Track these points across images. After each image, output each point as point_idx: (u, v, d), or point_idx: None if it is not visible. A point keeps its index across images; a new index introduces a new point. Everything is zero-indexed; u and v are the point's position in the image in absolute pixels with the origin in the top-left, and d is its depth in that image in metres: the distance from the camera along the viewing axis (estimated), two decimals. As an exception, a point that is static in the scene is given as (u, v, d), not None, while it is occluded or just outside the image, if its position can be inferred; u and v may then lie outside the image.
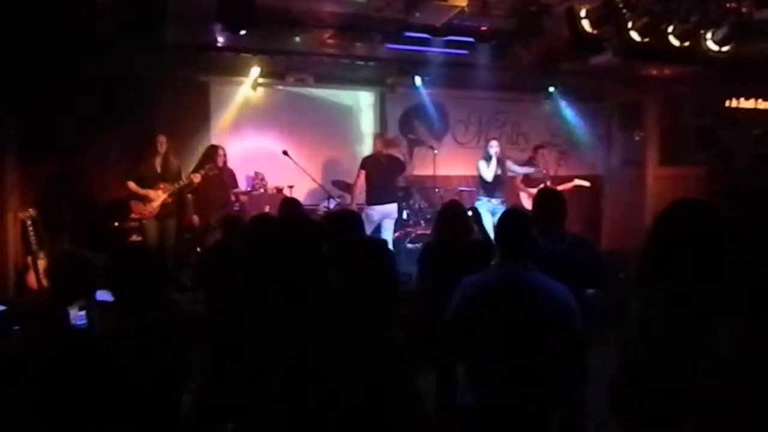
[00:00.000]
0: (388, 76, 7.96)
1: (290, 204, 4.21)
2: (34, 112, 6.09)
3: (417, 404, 1.72)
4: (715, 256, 1.80)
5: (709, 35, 5.14)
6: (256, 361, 2.20)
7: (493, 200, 6.95)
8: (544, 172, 7.61)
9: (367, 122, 8.26)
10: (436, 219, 3.94)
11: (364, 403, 1.64)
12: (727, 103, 7.35)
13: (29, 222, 5.84)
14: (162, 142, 6.20)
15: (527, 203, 7.28)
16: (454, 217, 3.73)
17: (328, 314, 1.77)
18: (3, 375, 2.18)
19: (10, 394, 2.14)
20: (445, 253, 3.59)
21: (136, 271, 2.41)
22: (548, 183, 7.33)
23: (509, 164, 7.14)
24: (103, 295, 3.90)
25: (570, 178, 7.75)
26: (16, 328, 2.49)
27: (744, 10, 5.03)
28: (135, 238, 6.19)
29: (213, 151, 6.52)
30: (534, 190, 7.36)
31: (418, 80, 7.86)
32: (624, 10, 4.75)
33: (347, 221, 3.21)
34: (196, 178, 6.20)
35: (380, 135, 7.38)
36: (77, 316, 3.63)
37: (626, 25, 4.82)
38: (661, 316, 1.88)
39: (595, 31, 4.88)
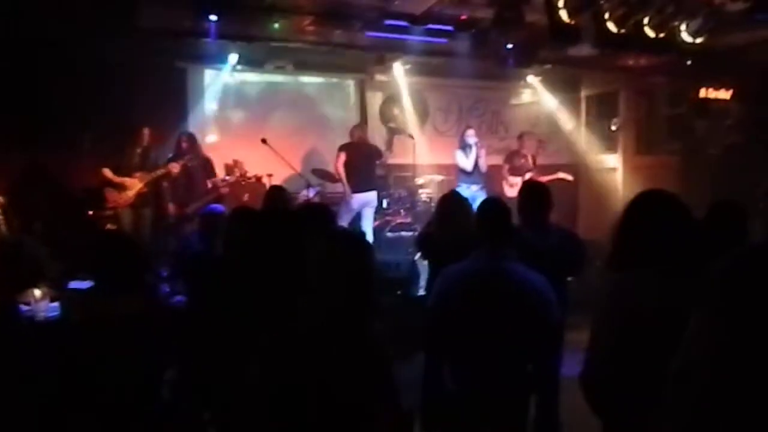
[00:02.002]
0: (367, 64, 7.93)
1: (276, 193, 4.19)
2: (4, 98, 5.93)
3: (394, 397, 1.73)
4: (679, 244, 1.88)
5: (683, 26, 5.23)
6: (235, 351, 2.21)
7: (473, 186, 7.01)
8: (528, 158, 7.62)
9: (346, 110, 8.22)
10: (437, 207, 3.97)
11: (339, 393, 1.66)
12: (700, 94, 7.47)
13: None
14: (146, 134, 6.11)
15: (510, 192, 7.32)
16: (454, 206, 3.78)
17: (306, 306, 1.77)
18: None
19: None
20: (445, 241, 3.63)
21: (112, 256, 2.39)
22: (533, 172, 7.37)
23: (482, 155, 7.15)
24: (78, 284, 3.86)
25: (554, 170, 7.77)
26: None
27: (717, 1, 5.13)
28: (109, 226, 6.08)
29: (181, 138, 6.40)
30: (517, 179, 7.44)
31: (397, 68, 7.84)
32: (601, 1, 4.80)
33: (322, 213, 3.23)
34: (175, 168, 6.11)
35: (358, 124, 7.38)
36: (48, 307, 3.60)
37: (603, 15, 4.88)
38: (628, 302, 1.93)
39: (572, 21, 4.93)
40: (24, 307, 3.42)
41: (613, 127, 9.10)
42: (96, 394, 2.18)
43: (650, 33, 5.11)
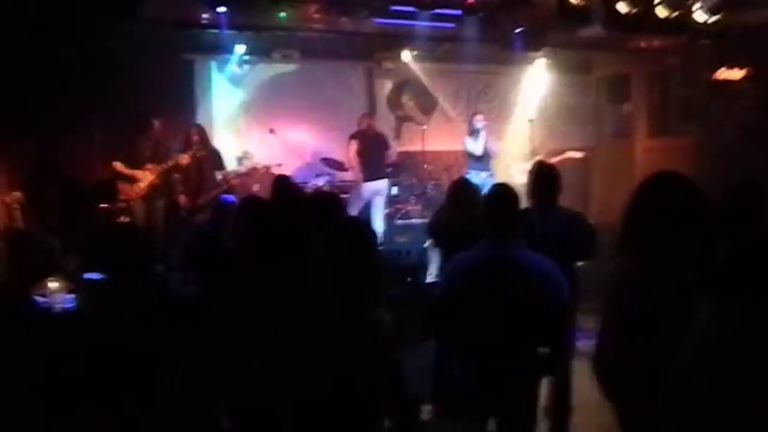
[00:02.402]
0: (375, 51, 7.87)
1: (283, 182, 4.19)
2: (15, 93, 5.98)
3: (397, 385, 1.73)
4: (691, 228, 1.84)
5: (697, 6, 5.11)
6: (242, 342, 2.22)
7: (482, 173, 6.95)
8: (536, 145, 7.58)
9: (354, 99, 8.18)
10: (447, 194, 3.97)
11: (345, 384, 1.66)
12: (716, 75, 7.33)
13: (15, 205, 5.77)
14: (154, 125, 6.13)
15: (518, 178, 7.27)
16: (465, 192, 3.77)
17: (311, 296, 1.77)
18: None
19: None
20: (456, 228, 3.62)
21: (120, 247, 2.40)
22: (540, 155, 7.30)
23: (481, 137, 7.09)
24: (92, 276, 3.90)
25: (561, 151, 7.73)
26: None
27: (732, -21, 5.01)
28: (123, 219, 6.13)
29: (191, 131, 6.41)
30: (524, 165, 7.38)
31: (405, 55, 7.78)
32: (611, -19, 4.71)
33: (329, 202, 3.22)
34: (184, 158, 6.13)
35: (366, 113, 7.35)
36: (65, 299, 3.64)
37: (613, -5, 4.79)
38: (637, 285, 1.91)
39: (582, 3, 4.84)
40: (40, 299, 3.47)
41: (626, 110, 8.98)
42: (107, 385, 2.20)
43: (662, 13, 5.02)
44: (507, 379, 2.50)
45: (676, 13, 5.14)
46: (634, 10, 4.85)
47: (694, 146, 7.93)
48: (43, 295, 3.63)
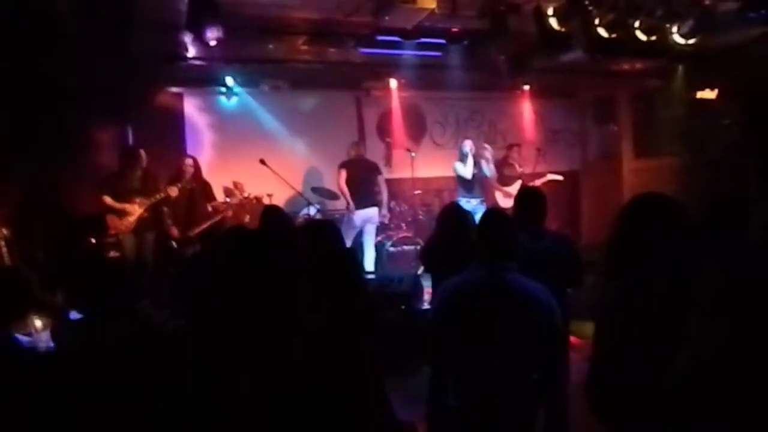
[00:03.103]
0: (363, 81, 7.97)
1: (272, 212, 4.19)
2: (3, 128, 5.98)
3: (387, 410, 1.71)
4: (677, 247, 1.86)
5: (674, 29, 5.23)
6: (231, 368, 2.19)
7: (473, 201, 6.99)
8: (519, 170, 7.68)
9: (343, 127, 8.24)
10: (438, 220, 4.01)
11: (332, 408, 1.64)
12: (697, 95, 7.47)
13: (2, 242, 5.72)
14: (142, 157, 6.13)
15: (503, 202, 7.34)
16: (455, 218, 3.80)
17: (298, 322, 1.76)
18: None
19: None
20: (447, 254, 3.63)
21: (97, 286, 2.38)
22: (522, 180, 7.41)
23: (482, 164, 7.15)
24: (77, 314, 3.84)
25: (543, 174, 7.82)
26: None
27: (707, 2, 5.14)
28: (113, 253, 6.09)
29: (186, 162, 6.43)
30: (509, 189, 7.44)
31: (393, 83, 7.88)
32: (590, 7, 4.83)
33: (318, 231, 3.23)
34: (173, 191, 6.12)
35: (356, 142, 7.41)
36: (40, 338, 3.58)
37: (593, 21, 4.90)
38: (628, 308, 1.91)
39: (562, 29, 4.95)
40: (25, 338, 3.42)
41: (612, 132, 9.11)
42: (87, 426, 2.16)
43: (641, 36, 5.13)
44: (502, 406, 2.47)
45: (654, 37, 5.25)
46: (614, 35, 4.96)
47: (680, 165, 8.03)
48: (28, 334, 3.58)
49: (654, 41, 5.21)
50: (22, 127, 6.03)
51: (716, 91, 7.33)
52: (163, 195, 6.09)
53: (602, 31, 4.90)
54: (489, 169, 7.15)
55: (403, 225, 7.48)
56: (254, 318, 2.19)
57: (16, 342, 2.64)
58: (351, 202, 6.86)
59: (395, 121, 8.34)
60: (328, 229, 3.23)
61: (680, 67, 6.89)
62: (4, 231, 5.76)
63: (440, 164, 8.25)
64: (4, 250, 5.70)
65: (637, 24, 5.08)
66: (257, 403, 1.67)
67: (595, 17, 4.86)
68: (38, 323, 3.56)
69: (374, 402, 1.70)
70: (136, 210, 6.05)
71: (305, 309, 1.74)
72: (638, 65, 7.67)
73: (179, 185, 6.14)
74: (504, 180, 7.65)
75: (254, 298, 2.32)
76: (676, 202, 2.04)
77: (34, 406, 2.23)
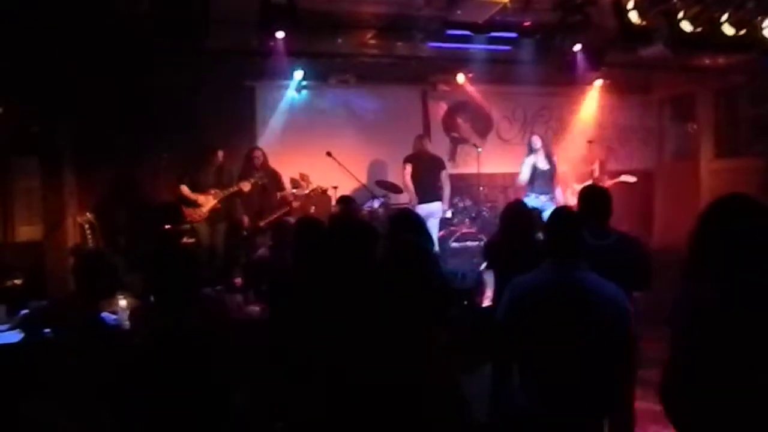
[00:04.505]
0: (430, 75, 7.93)
1: (346, 204, 4.29)
2: (89, 120, 6.36)
3: (460, 406, 1.71)
4: (760, 251, 1.77)
5: (765, 23, 4.92)
6: (307, 360, 2.24)
7: (542, 197, 6.83)
8: (596, 165, 7.43)
9: (409, 121, 8.25)
10: (501, 217, 3.97)
11: (403, 403, 1.65)
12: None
13: (87, 226, 6.10)
14: (219, 156, 6.38)
15: (571, 201, 7.12)
16: (520, 215, 3.76)
17: (373, 315, 1.78)
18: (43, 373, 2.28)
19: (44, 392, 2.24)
20: (511, 251, 3.59)
21: (169, 272, 2.47)
22: (596, 178, 7.17)
23: (538, 160, 6.97)
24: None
25: (616, 174, 7.54)
26: (47, 331, 2.60)
27: (804, -7, 4.80)
28: (187, 240, 6.37)
29: (255, 153, 6.61)
30: (580, 186, 7.22)
31: (460, 77, 7.80)
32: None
33: (398, 221, 3.29)
34: (246, 186, 6.31)
35: (420, 135, 7.39)
36: (125, 317, 3.80)
37: (677, 14, 4.67)
38: (712, 312, 1.83)
39: (643, 22, 4.75)
40: (111, 316, 3.64)
41: (690, 130, 8.68)
42: (158, 408, 2.25)
43: (728, 31, 4.84)
44: (573, 407, 2.42)
45: (743, 31, 4.95)
46: (699, 29, 4.71)
47: (764, 167, 7.56)
48: (114, 312, 3.81)
49: (742, 35, 4.91)
50: (107, 123, 6.41)
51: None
52: (236, 189, 6.30)
53: (686, 25, 4.66)
54: (549, 164, 6.97)
55: (467, 221, 7.42)
56: (328, 308, 2.24)
57: (103, 320, 2.81)
58: (414, 197, 6.87)
59: (461, 116, 8.26)
60: (412, 220, 3.27)
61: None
62: (89, 216, 6.14)
63: (506, 160, 8.11)
64: (89, 233, 6.08)
65: (724, 17, 4.80)
66: (330, 393, 1.71)
67: (680, 10, 4.63)
68: (123, 302, 3.78)
69: (448, 397, 1.70)
70: (209, 201, 6.30)
71: (380, 298, 1.76)
72: (721, 60, 7.25)
73: (252, 180, 6.32)
74: (580, 178, 7.41)
75: (328, 288, 2.36)
76: (763, 205, 1.94)
77: (112, 379, 2.36)
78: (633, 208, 8.05)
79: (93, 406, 2.31)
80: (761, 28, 4.96)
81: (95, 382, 2.38)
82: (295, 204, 6.66)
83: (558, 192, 7.26)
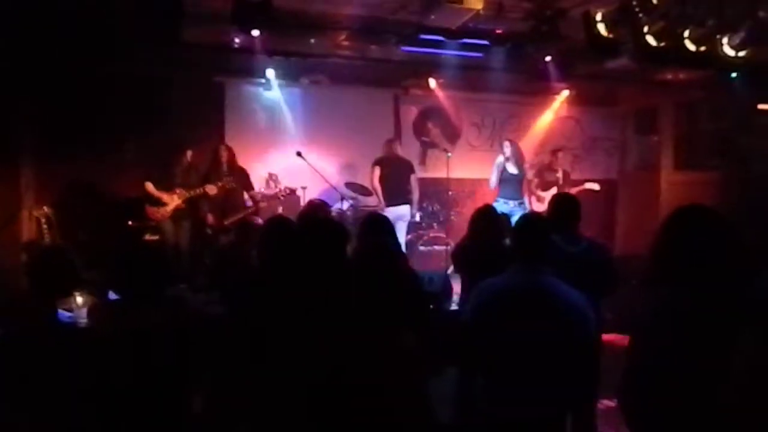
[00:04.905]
0: (402, 78, 7.97)
1: (316, 207, 4.26)
2: (48, 111, 6.17)
3: (426, 407, 1.72)
4: (721, 259, 1.84)
5: (725, 40, 5.10)
6: (272, 362, 2.22)
7: (511, 202, 6.94)
8: (560, 174, 7.58)
9: (380, 124, 8.26)
10: (471, 221, 4.01)
11: (369, 404, 1.65)
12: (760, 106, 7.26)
13: (44, 220, 5.91)
14: (188, 155, 6.26)
15: (536, 208, 7.26)
16: (489, 220, 3.80)
17: (342, 315, 1.78)
18: None
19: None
20: (480, 256, 3.63)
21: (135, 268, 2.42)
22: (560, 186, 7.32)
23: (508, 165, 7.10)
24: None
25: (581, 182, 7.71)
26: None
27: (761, 14, 4.99)
28: (150, 237, 6.24)
29: (221, 150, 6.51)
30: (544, 194, 7.36)
31: (432, 82, 7.86)
32: (640, 14, 4.73)
33: (369, 224, 3.30)
34: (212, 190, 6.18)
35: (390, 139, 7.42)
36: (81, 314, 3.68)
37: (642, 29, 4.80)
38: (674, 317, 1.89)
39: (611, 35, 4.87)
40: (66, 314, 3.53)
41: (652, 142, 8.93)
42: (119, 407, 2.20)
43: (691, 46, 5.01)
44: (534, 412, 2.46)
45: (704, 47, 5.12)
46: (663, 44, 4.86)
47: (720, 180, 7.83)
48: (70, 310, 3.70)
49: (703, 51, 5.08)
50: (69, 115, 6.23)
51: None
52: (201, 191, 6.18)
53: (651, 39, 4.80)
54: (518, 170, 7.10)
55: (435, 225, 7.48)
56: (295, 308, 2.22)
57: (59, 318, 2.72)
58: (382, 200, 6.88)
59: (432, 121, 8.33)
60: (383, 223, 3.27)
61: (728, 79, 6.70)
62: (46, 210, 5.95)
63: (475, 166, 8.21)
64: (45, 228, 5.90)
65: (686, 33, 4.96)
66: (295, 394, 1.70)
67: (645, 24, 4.77)
68: (79, 300, 3.67)
69: (413, 399, 1.70)
70: (174, 200, 6.18)
71: (349, 299, 1.76)
72: (682, 75, 7.49)
73: (219, 184, 6.20)
74: (544, 185, 7.56)
75: (296, 287, 2.34)
76: (722, 215, 2.02)
77: (71, 379, 2.29)
78: (597, 216, 8.24)
79: (52, 406, 2.24)
80: (721, 45, 5.14)
81: (54, 382, 2.30)
82: (263, 204, 6.58)
83: (525, 199, 7.40)
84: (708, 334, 1.78)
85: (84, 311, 3.73)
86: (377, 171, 6.91)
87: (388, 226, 3.41)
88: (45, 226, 5.90)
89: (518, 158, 7.08)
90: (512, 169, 7.04)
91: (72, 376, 2.28)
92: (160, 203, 6.14)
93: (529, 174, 7.43)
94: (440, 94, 8.09)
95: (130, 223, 6.40)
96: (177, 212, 6.21)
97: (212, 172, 6.33)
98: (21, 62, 5.52)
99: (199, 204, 6.39)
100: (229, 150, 6.52)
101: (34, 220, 6.05)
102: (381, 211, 6.87)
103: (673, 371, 1.85)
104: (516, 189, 7.08)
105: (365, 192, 7.34)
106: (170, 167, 6.24)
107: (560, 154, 7.70)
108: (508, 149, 7.04)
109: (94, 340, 2.41)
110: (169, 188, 6.17)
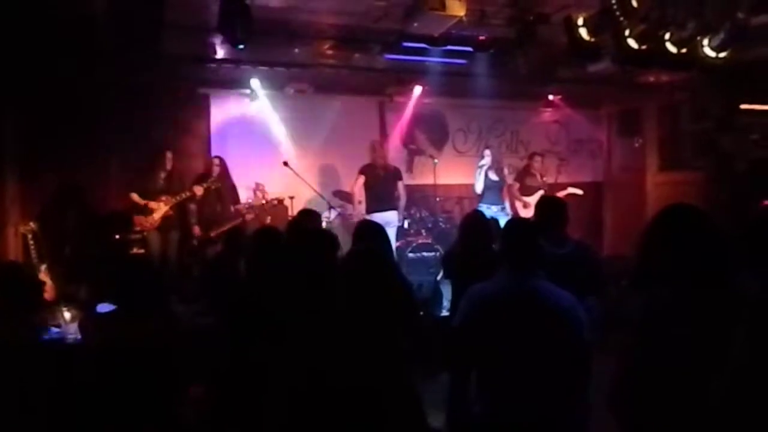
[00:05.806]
0: (387, 86, 7.99)
1: (309, 216, 4.24)
2: (33, 124, 6.10)
3: (417, 411, 1.71)
4: (709, 259, 1.85)
5: (706, 41, 5.17)
6: (260, 369, 2.20)
7: (493, 207, 7.00)
8: (542, 179, 7.63)
9: (366, 132, 8.26)
10: (460, 227, 4.02)
11: (362, 408, 1.64)
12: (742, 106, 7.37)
13: (30, 235, 5.83)
14: (169, 158, 6.24)
15: (523, 213, 7.31)
16: (479, 226, 3.81)
17: (334, 321, 1.77)
18: None
19: None
20: (470, 261, 3.63)
21: (127, 281, 2.41)
22: (544, 190, 7.37)
23: (489, 172, 7.17)
24: (104, 307, 3.91)
25: (564, 186, 7.75)
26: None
27: (740, 15, 5.07)
28: (137, 250, 6.18)
29: (213, 162, 6.53)
30: (529, 199, 7.41)
31: (417, 90, 7.89)
32: (621, 18, 4.78)
33: (361, 230, 3.30)
34: (198, 190, 6.20)
35: (377, 146, 7.40)
36: (69, 330, 3.64)
37: (623, 32, 4.85)
38: (658, 318, 1.90)
39: (592, 39, 4.93)
40: (54, 330, 3.49)
41: (636, 144, 9.03)
42: (109, 418, 2.18)
43: (672, 49, 5.07)
44: (528, 415, 2.45)
45: (685, 49, 5.19)
46: (644, 47, 4.91)
47: (705, 180, 7.92)
48: (58, 326, 3.66)
49: (684, 54, 5.15)
50: (52, 127, 6.16)
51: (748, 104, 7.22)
52: (188, 194, 6.18)
53: (632, 43, 4.85)
54: (497, 176, 7.19)
55: (423, 231, 7.47)
56: (286, 317, 2.21)
57: (37, 334, 2.68)
58: (357, 206, 6.88)
59: (418, 128, 8.35)
60: (375, 229, 3.27)
61: (709, 81, 6.80)
62: (32, 225, 5.88)
63: (462, 172, 8.23)
64: (32, 243, 5.82)
65: (667, 36, 5.02)
66: (287, 400, 1.68)
67: (626, 28, 4.82)
68: (67, 315, 3.63)
69: (407, 404, 1.69)
70: (161, 207, 6.14)
71: (340, 305, 1.75)
72: (665, 78, 7.59)
73: (205, 185, 6.21)
74: (525, 190, 7.61)
75: (286, 297, 2.33)
76: (707, 214, 2.03)
77: (57, 396, 2.27)
78: (584, 218, 8.29)
79: (32, 422, 2.20)
80: (701, 47, 5.21)
81: (32, 398, 2.26)
82: (249, 216, 6.56)
83: (518, 205, 7.45)
84: (697, 333, 1.78)
85: (72, 326, 3.70)
86: (361, 178, 6.88)
87: (378, 233, 3.41)
88: (31, 242, 5.83)
89: (497, 165, 7.20)
90: (492, 175, 7.17)
91: (51, 392, 2.25)
92: (147, 211, 6.11)
93: (509, 179, 7.47)
94: (425, 101, 8.12)
95: (117, 236, 6.34)
96: (165, 221, 6.17)
97: (202, 181, 6.32)
98: (2, 74, 5.45)
99: (188, 214, 6.36)
100: (221, 161, 6.54)
101: (20, 235, 5.98)
102: (359, 217, 6.87)
103: (665, 372, 1.85)
104: (496, 195, 7.25)
105: (352, 200, 7.33)
106: (152, 174, 6.21)
107: (537, 158, 7.73)
108: (488, 157, 7.15)
109: (80, 354, 2.39)
110: (154, 195, 6.13)
